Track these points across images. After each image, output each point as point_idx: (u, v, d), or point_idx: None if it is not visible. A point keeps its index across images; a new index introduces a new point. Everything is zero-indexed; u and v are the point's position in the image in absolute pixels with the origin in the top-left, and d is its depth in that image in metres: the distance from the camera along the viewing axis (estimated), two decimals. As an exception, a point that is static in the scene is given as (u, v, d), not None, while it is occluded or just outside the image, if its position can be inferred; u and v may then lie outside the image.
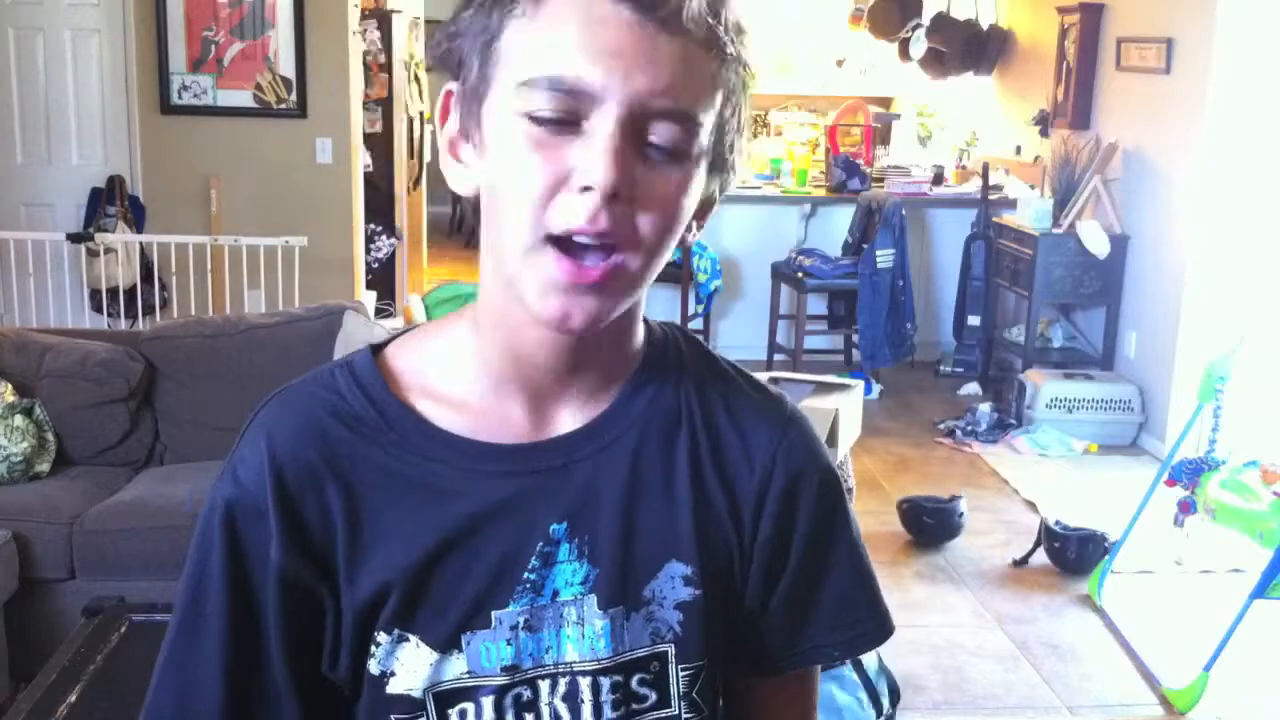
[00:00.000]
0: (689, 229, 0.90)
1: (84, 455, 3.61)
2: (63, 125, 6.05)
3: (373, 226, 6.93)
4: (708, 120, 0.86)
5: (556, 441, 0.94)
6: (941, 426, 5.82)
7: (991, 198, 6.62)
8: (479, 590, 0.91)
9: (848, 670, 2.89)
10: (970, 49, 7.27)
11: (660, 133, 0.83)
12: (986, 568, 4.30)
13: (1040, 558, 4.33)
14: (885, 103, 9.02)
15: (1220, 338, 5.04)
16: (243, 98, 6.03)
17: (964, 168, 7.41)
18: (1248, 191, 5.16)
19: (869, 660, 2.94)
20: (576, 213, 0.82)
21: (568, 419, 0.95)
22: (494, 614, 0.91)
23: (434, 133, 1.14)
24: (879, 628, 1.03)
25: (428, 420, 0.93)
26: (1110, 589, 4.07)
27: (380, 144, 7.11)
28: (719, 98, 0.87)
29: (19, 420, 3.42)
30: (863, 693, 2.87)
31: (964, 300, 6.51)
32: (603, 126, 0.82)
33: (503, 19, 0.85)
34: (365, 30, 6.73)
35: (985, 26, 7.32)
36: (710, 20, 0.83)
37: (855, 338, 6.55)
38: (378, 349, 0.97)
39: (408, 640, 0.91)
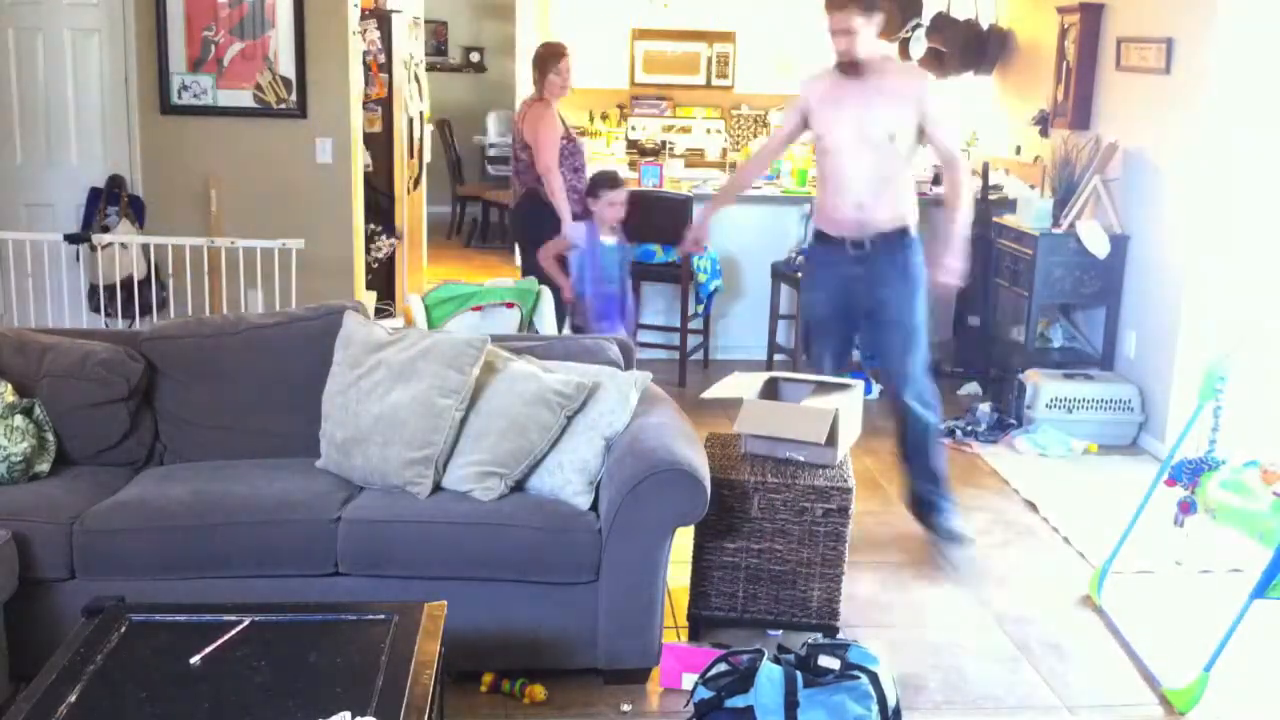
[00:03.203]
0: None
1: (84, 455, 3.61)
2: (63, 125, 6.06)
3: (373, 226, 6.93)
4: None
5: None
6: (941, 426, 5.81)
7: (991, 198, 6.61)
8: None
9: (863, 682, 2.89)
10: (970, 49, 7.27)
11: None
12: (986, 568, 4.30)
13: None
14: (885, 103, 9.01)
15: (1220, 338, 5.04)
16: (243, 98, 6.04)
17: (964, 168, 7.40)
18: (1247, 192, 5.16)
19: (884, 675, 2.95)
20: None
21: None
22: None
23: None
24: None
25: None
26: (1110, 589, 4.07)
27: (380, 144, 7.11)
28: None
29: (19, 420, 3.42)
30: (875, 704, 2.87)
31: (964, 300, 6.51)
32: None
33: None
34: (365, 30, 6.73)
35: (985, 26, 7.32)
36: None
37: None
38: None
39: None
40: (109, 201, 5.98)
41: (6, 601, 3.08)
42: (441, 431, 3.39)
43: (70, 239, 5.51)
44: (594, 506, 3.38)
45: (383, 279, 7.21)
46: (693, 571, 3.65)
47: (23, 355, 3.66)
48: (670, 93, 9.35)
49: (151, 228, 5.95)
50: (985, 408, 5.80)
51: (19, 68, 5.97)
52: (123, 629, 2.59)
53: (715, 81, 9.22)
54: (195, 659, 2.47)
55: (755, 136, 9.20)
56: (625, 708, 3.28)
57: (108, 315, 5.75)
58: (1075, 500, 4.90)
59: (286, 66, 6.03)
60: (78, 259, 5.82)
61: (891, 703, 2.92)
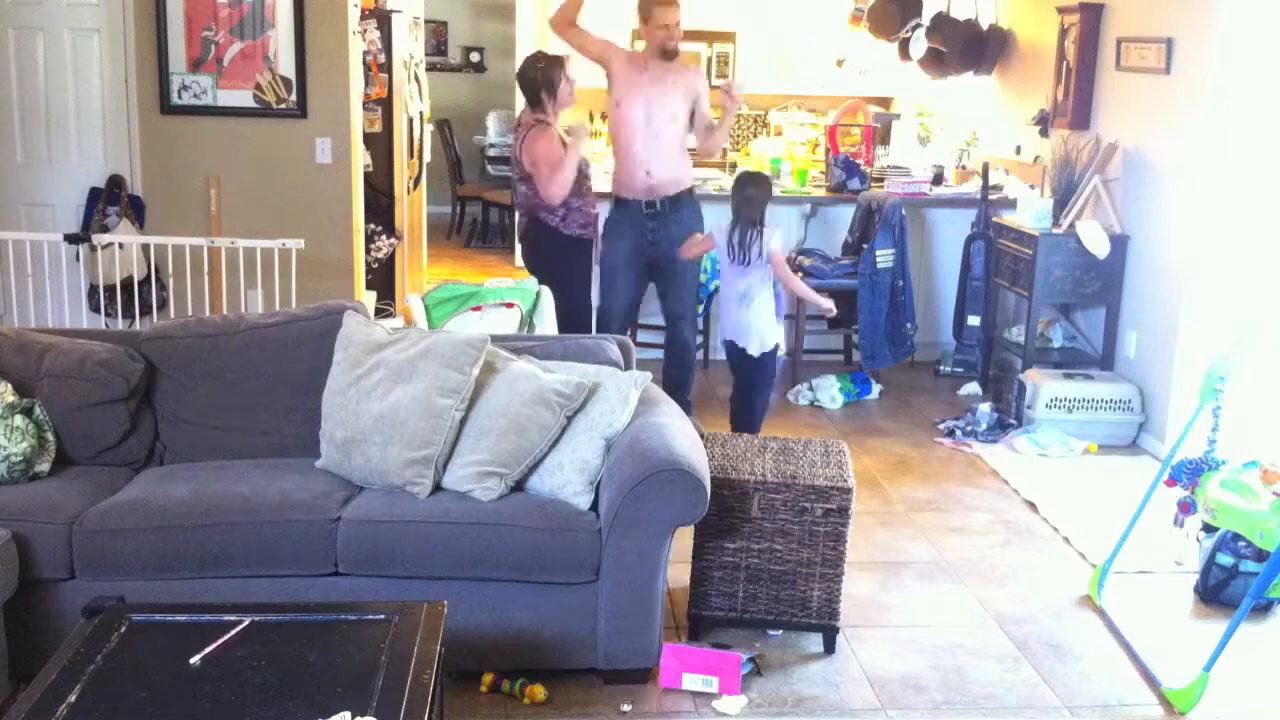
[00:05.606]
0: None
1: (84, 455, 3.61)
2: (63, 125, 6.05)
3: (373, 226, 6.93)
4: None
5: None
6: (941, 426, 5.82)
7: (991, 198, 6.61)
8: None
9: None
10: (970, 49, 7.27)
11: None
12: (986, 568, 4.30)
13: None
14: (885, 103, 9.02)
15: (1220, 338, 5.05)
16: (243, 98, 6.03)
17: (964, 168, 7.41)
18: (1247, 191, 5.16)
19: None
20: None
21: None
22: None
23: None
24: None
25: None
26: (1110, 589, 4.07)
27: (380, 144, 7.10)
28: None
29: (19, 420, 3.42)
30: None
31: (964, 300, 6.51)
32: None
33: None
34: (365, 30, 6.73)
35: (985, 26, 7.32)
36: None
37: (855, 338, 6.55)
38: None
39: None
40: (109, 201, 5.98)
41: (6, 601, 3.08)
42: (441, 431, 3.39)
43: (70, 239, 5.51)
44: (594, 506, 3.38)
45: (383, 279, 7.21)
46: (693, 571, 3.65)
47: (23, 355, 3.66)
48: (670, 93, 9.32)
49: (151, 228, 5.95)
50: (985, 408, 5.80)
51: (19, 68, 5.97)
52: (123, 629, 2.59)
53: (715, 82, 9.20)
54: (195, 659, 2.47)
55: (755, 136, 9.20)
56: (625, 708, 3.28)
57: (108, 315, 5.75)
58: (1075, 500, 4.90)
59: (286, 66, 6.02)
60: (78, 259, 5.82)
61: None
